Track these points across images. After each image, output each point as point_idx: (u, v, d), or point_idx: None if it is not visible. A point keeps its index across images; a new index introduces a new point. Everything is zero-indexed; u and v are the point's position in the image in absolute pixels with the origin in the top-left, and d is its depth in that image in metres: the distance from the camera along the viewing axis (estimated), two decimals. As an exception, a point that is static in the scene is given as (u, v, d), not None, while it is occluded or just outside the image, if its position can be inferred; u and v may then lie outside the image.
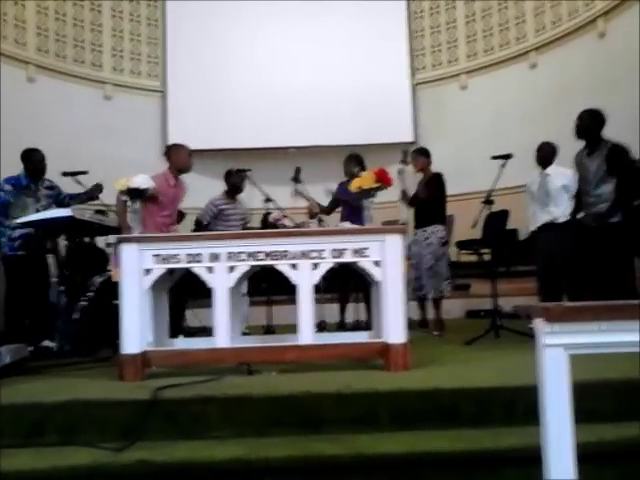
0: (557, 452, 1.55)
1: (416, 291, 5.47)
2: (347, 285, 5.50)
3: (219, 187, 5.85)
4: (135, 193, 3.45)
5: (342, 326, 5.62)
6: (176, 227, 5.08)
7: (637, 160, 4.61)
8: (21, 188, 4.98)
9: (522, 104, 9.44)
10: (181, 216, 5.46)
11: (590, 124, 4.55)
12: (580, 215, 4.77)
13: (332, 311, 5.89)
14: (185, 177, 4.86)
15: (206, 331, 4.77)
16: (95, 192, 5.10)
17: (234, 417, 2.54)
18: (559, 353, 1.52)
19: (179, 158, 4.68)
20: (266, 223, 5.61)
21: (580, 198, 4.71)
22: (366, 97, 10.10)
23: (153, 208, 4.47)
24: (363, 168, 5.25)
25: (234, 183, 5.74)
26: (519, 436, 2.28)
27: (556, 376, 1.52)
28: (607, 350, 1.52)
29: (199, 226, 5.68)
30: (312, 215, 5.68)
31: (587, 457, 1.96)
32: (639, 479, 2.24)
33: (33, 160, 5.07)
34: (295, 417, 2.53)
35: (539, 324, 1.54)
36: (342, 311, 5.76)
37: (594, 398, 2.45)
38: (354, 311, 5.74)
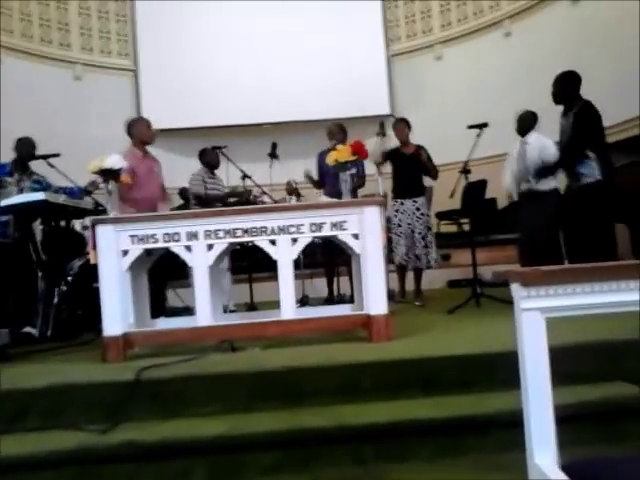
0: (537, 414, 1.57)
1: (408, 262, 5.49)
2: (333, 259, 5.50)
3: (196, 166, 5.78)
4: (109, 173, 3.40)
5: (330, 300, 5.63)
6: (167, 203, 5.01)
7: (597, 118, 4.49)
8: (4, 174, 4.90)
9: (498, 73, 9.44)
10: (183, 192, 5.39)
11: (563, 86, 4.54)
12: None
13: (316, 286, 5.91)
14: (161, 157, 4.83)
15: (189, 311, 4.77)
16: (91, 190, 4.96)
17: (218, 394, 2.55)
18: (536, 317, 1.53)
19: (140, 131, 4.74)
20: (247, 200, 5.58)
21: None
22: (341, 70, 10.01)
23: (132, 193, 4.46)
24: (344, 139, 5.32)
25: (209, 161, 5.70)
26: (502, 400, 2.32)
27: (534, 340, 1.54)
28: (583, 312, 1.53)
29: (199, 200, 5.54)
30: (291, 191, 5.66)
31: (567, 418, 2.00)
32: (619, 438, 2.29)
33: (22, 144, 5.04)
34: (279, 391, 2.54)
35: (516, 289, 1.55)
36: (329, 285, 5.76)
37: (573, 360, 2.48)
38: (337, 285, 5.76)
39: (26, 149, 5.04)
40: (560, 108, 4.63)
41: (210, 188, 5.61)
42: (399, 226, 5.47)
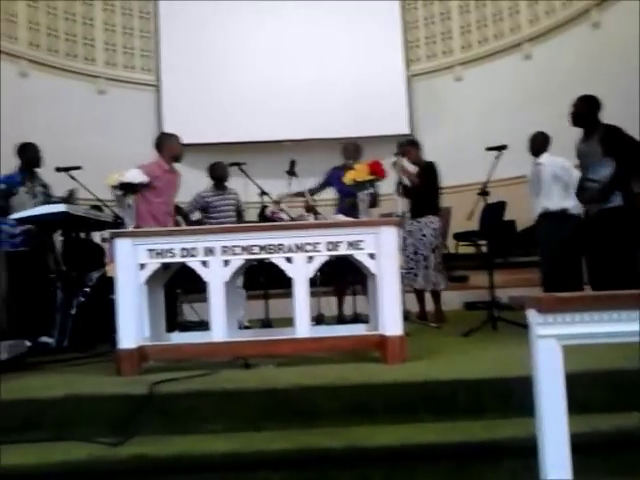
0: (552, 442, 1.55)
1: (412, 283, 5.44)
2: (344, 278, 5.49)
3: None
4: (128, 187, 3.43)
5: (341, 319, 5.60)
6: (174, 218, 5.08)
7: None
8: (16, 185, 4.97)
9: (517, 95, 9.43)
10: (178, 210, 5.45)
11: (585, 110, 4.46)
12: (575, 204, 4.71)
13: (330, 304, 5.89)
14: (181, 171, 4.87)
15: (204, 325, 4.78)
16: (69, 200, 4.98)
17: (229, 411, 2.54)
18: (552, 344, 1.52)
19: (172, 146, 4.75)
20: (263, 217, 5.61)
21: (583, 186, 4.50)
22: (361, 89, 10.07)
23: (149, 195, 4.51)
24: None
25: (216, 175, 5.79)
26: (515, 427, 2.29)
27: (550, 367, 1.52)
28: (599, 340, 1.52)
29: (186, 219, 5.65)
30: (309, 208, 5.68)
31: (582, 447, 1.96)
32: (634, 469, 2.25)
33: (28, 152, 5.07)
34: (290, 410, 2.53)
35: (532, 315, 1.54)
36: (340, 304, 5.74)
37: (589, 388, 2.45)
38: (353, 304, 5.74)
39: (32, 154, 5.08)
40: (577, 130, 4.59)
41: (214, 205, 5.70)
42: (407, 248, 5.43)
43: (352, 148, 5.64)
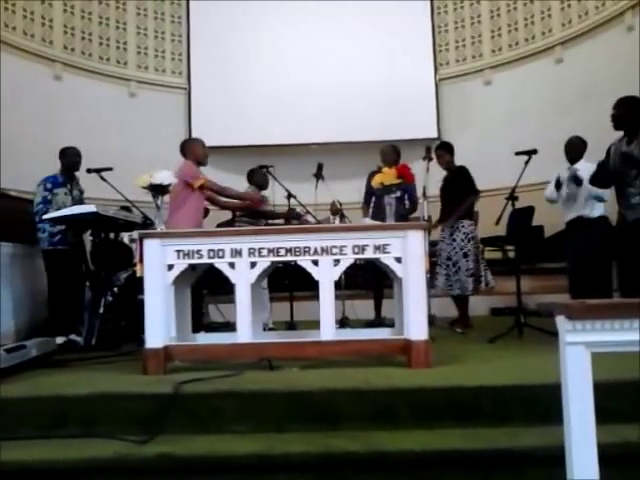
0: (580, 451, 1.53)
1: (445, 289, 5.40)
2: (381, 281, 5.45)
3: (242, 183, 5.86)
4: (158, 189, 3.48)
5: (380, 322, 5.53)
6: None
7: None
8: (58, 185, 5.09)
9: (547, 99, 9.30)
10: (206, 212, 5.49)
11: (628, 111, 4.29)
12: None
13: (355, 307, 5.88)
14: (210, 174, 4.90)
15: (230, 326, 4.81)
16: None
17: (253, 412, 2.55)
18: (581, 351, 1.49)
19: (197, 151, 4.75)
20: (290, 218, 5.61)
21: (622, 192, 4.29)
22: (389, 93, 10.03)
23: (199, 193, 4.57)
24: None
25: (257, 182, 5.76)
26: (539, 435, 2.26)
27: (578, 374, 1.50)
28: (629, 348, 1.49)
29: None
30: (335, 211, 5.67)
31: (610, 458, 1.93)
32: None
33: (67, 155, 5.21)
34: (313, 413, 2.53)
35: (561, 322, 1.52)
36: (377, 308, 5.70)
37: (618, 398, 2.40)
38: (378, 308, 5.72)
39: (74, 159, 5.22)
40: (607, 137, 4.47)
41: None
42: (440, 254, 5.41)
43: (389, 150, 5.59)
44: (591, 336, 1.48)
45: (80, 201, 5.18)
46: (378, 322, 5.51)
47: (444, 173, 5.61)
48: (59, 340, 4.39)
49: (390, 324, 4.80)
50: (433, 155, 5.44)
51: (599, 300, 1.57)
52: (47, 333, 4.25)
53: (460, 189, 5.39)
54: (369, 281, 5.66)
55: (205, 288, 4.61)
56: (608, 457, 1.64)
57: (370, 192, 5.55)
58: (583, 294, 4.50)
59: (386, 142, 6.50)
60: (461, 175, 5.46)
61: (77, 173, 5.29)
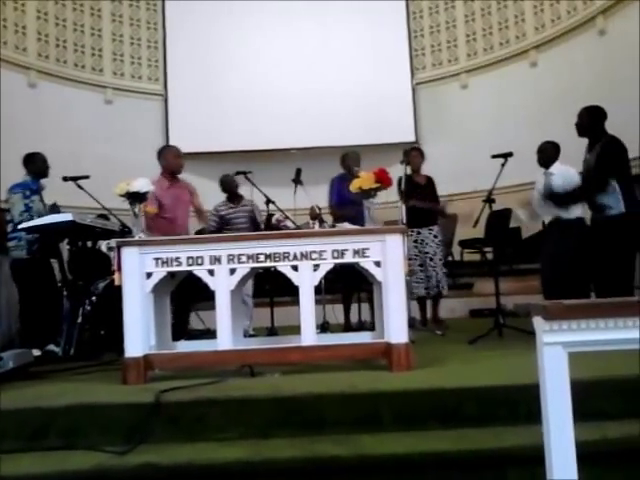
0: (558, 450, 1.54)
1: (428, 290, 5.49)
2: (350, 286, 5.49)
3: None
4: (135, 197, 3.45)
5: (348, 327, 5.59)
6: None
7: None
8: (34, 193, 4.99)
9: (523, 103, 9.43)
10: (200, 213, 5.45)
11: (589, 121, 4.49)
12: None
13: (335, 312, 5.88)
14: (189, 179, 4.87)
15: (210, 333, 4.78)
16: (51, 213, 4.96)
17: (237, 419, 2.54)
18: (558, 351, 1.52)
19: (167, 160, 4.74)
20: (269, 225, 5.61)
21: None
22: (367, 97, 10.10)
23: (155, 216, 4.53)
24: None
25: (225, 189, 5.77)
26: (523, 435, 2.27)
27: (556, 374, 1.52)
28: (606, 348, 1.52)
29: None
30: (314, 216, 5.67)
31: (591, 456, 1.96)
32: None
33: (36, 162, 5.09)
34: (298, 418, 2.53)
35: (538, 322, 1.54)
36: (346, 312, 5.73)
37: (597, 396, 2.44)
38: (359, 312, 5.73)
39: (43, 165, 5.10)
40: (585, 140, 4.60)
41: (227, 219, 5.66)
42: (417, 257, 5.47)
43: (357, 156, 5.63)
44: (568, 336, 1.50)
45: (51, 209, 5.10)
46: (350, 327, 5.55)
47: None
48: (35, 352, 4.32)
49: (369, 328, 4.84)
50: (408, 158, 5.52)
51: (576, 300, 1.60)
52: (23, 345, 4.19)
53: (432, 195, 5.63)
54: (340, 286, 5.67)
55: (191, 298, 4.58)
56: (589, 455, 1.66)
57: (347, 197, 5.56)
58: (556, 296, 4.60)
59: (364, 146, 6.53)
60: (433, 182, 5.73)
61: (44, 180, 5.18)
